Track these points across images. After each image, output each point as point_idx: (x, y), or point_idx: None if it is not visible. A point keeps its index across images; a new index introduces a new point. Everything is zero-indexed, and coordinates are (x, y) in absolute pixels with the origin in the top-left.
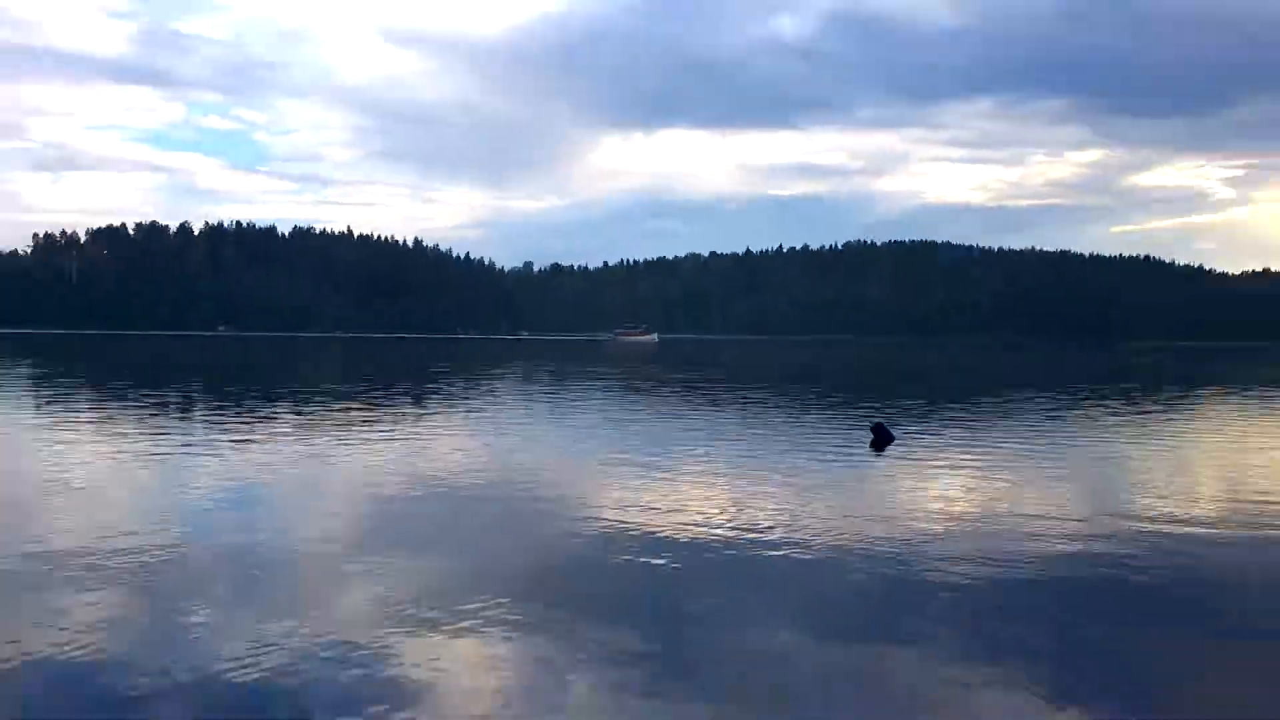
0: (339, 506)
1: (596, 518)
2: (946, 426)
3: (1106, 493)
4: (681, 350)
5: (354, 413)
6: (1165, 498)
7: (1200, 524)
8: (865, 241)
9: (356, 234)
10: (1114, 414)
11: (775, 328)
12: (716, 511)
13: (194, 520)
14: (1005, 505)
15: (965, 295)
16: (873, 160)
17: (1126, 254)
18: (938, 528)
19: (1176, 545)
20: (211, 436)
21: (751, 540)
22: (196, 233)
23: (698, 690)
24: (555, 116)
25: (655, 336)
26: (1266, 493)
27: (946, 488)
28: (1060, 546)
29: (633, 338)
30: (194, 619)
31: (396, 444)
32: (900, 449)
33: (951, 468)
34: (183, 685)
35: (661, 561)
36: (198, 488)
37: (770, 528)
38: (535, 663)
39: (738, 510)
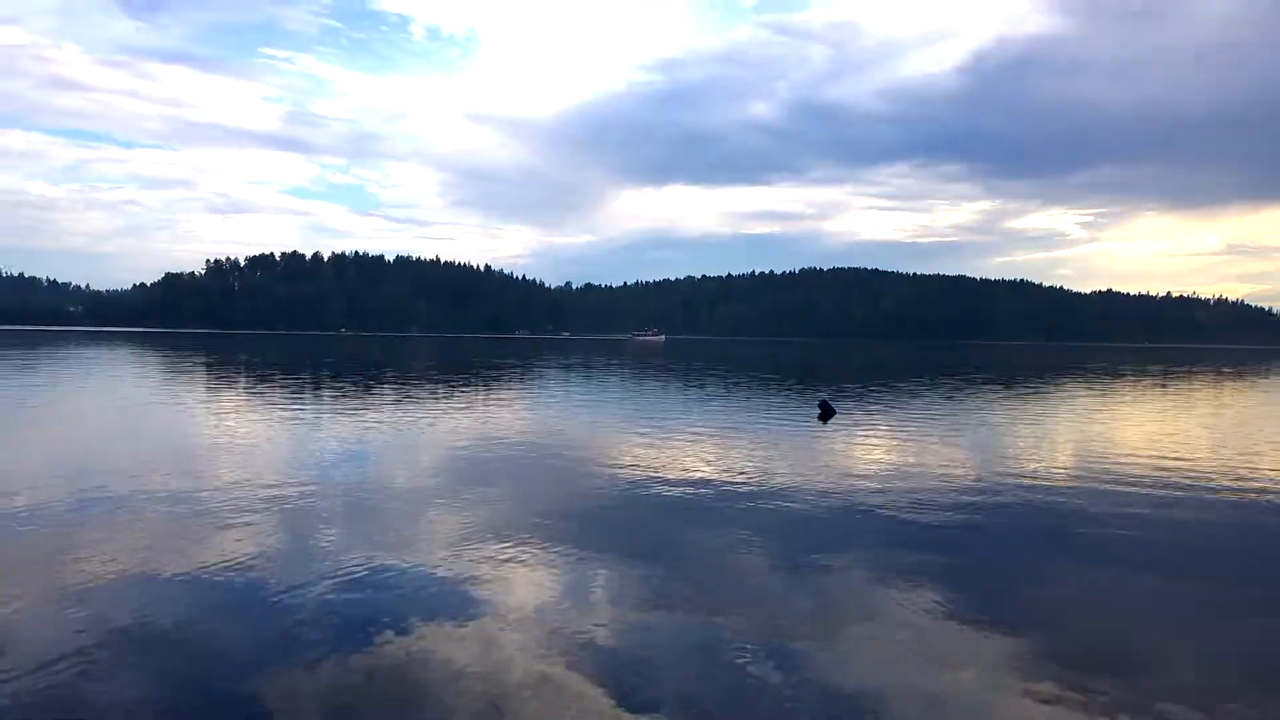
0: (427, 459)
1: (616, 467)
2: (875, 404)
3: (992, 451)
4: (682, 348)
5: (440, 391)
6: (1034, 455)
7: (1057, 473)
8: (815, 268)
9: (443, 260)
10: (996, 393)
11: (748, 331)
12: (703, 464)
13: (322, 468)
14: (917, 462)
15: (889, 308)
16: (821, 208)
17: (1007, 278)
18: (868, 478)
19: (1041, 490)
20: (335, 407)
21: (728, 484)
22: (326, 259)
23: (683, 582)
24: (588, 176)
25: (663, 337)
26: (1107, 451)
27: (875, 449)
28: (957, 492)
29: (646, 337)
30: (322, 539)
31: (470, 413)
32: (841, 420)
33: (879, 434)
34: (310, 587)
35: (663, 499)
36: (325, 444)
37: (742, 476)
38: (571, 566)
39: (719, 463)
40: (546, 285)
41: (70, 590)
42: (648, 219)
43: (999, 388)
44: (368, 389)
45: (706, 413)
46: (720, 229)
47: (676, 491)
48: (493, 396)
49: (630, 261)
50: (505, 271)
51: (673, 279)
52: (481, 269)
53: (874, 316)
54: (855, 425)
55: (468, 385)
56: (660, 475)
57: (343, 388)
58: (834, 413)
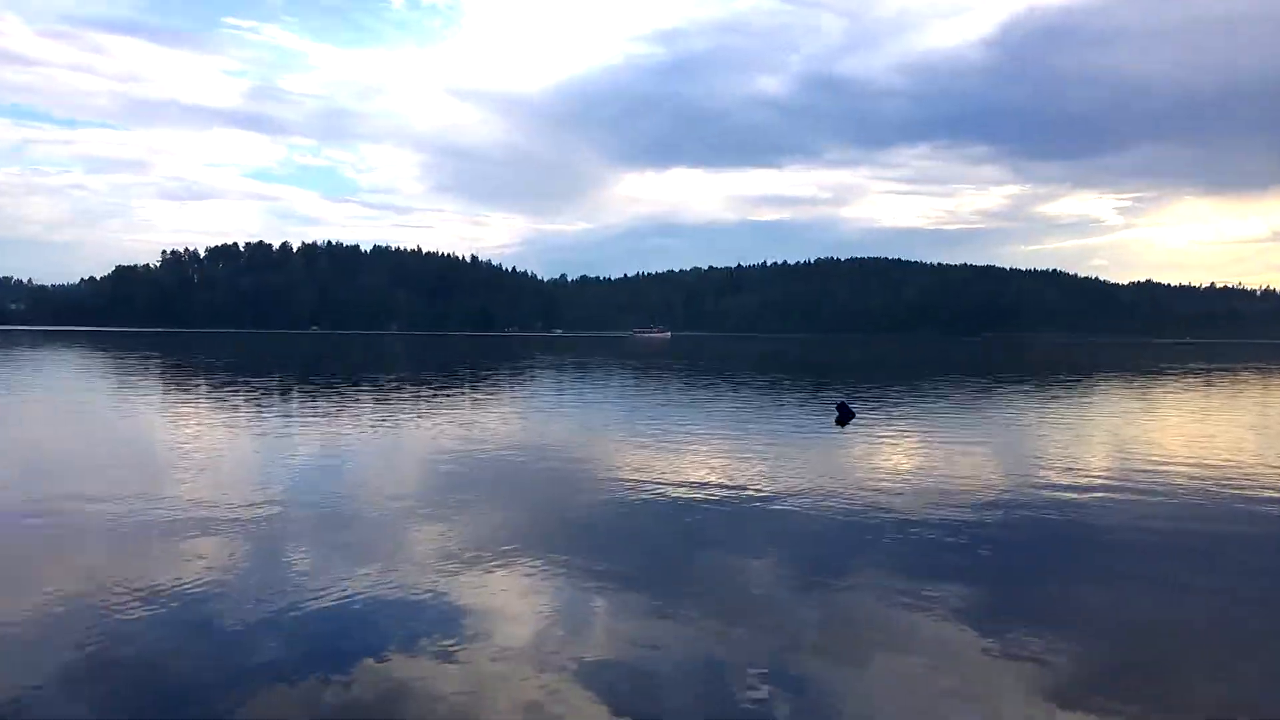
0: (407, 469)
1: (614, 478)
2: (897, 405)
3: (1018, 456)
4: (687, 345)
5: (420, 395)
6: (1068, 461)
7: (1092, 482)
8: (831, 258)
9: (424, 250)
10: (1025, 394)
11: (758, 326)
12: (710, 473)
13: (291, 479)
14: (941, 467)
15: (911, 299)
16: (837, 192)
17: (1038, 268)
18: (888, 485)
19: (1075, 500)
20: (306, 413)
21: (737, 495)
22: (295, 250)
23: (687, 602)
24: (583, 158)
25: (668, 334)
26: (1145, 457)
27: (896, 454)
28: (982, 499)
29: (649, 334)
30: (292, 559)
31: (455, 419)
32: (860, 424)
33: (901, 438)
34: (278, 612)
35: (665, 511)
36: (295, 453)
37: (752, 485)
38: (565, 589)
39: (727, 471)
40: (538, 278)
41: (13, 616)
42: (648, 204)
43: (1029, 387)
44: (342, 393)
45: (713, 416)
46: (727, 215)
47: (680, 503)
48: (479, 401)
49: (630, 251)
50: (492, 262)
51: (676, 270)
52: (466, 260)
53: (895, 309)
54: (875, 429)
55: (452, 388)
56: (663, 485)
57: (314, 392)
58: (852, 415)
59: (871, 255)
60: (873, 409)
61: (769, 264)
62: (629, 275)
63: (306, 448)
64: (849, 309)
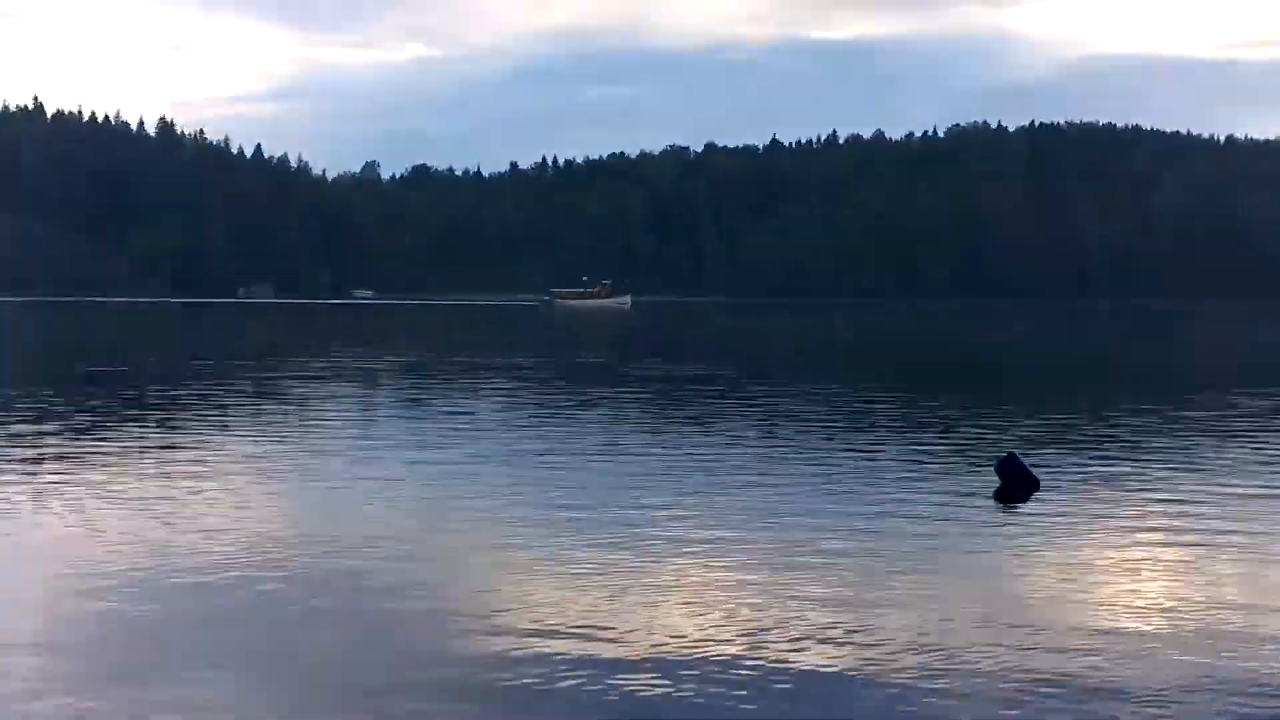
0: (26, 618)
1: (508, 635)
2: (1127, 458)
3: None
4: (667, 324)
5: (48, 442)
6: None
7: None
8: (980, 124)
9: (50, 113)
10: None
11: (819, 283)
12: (727, 617)
13: None
14: (1235, 602)
15: (1156, 220)
16: None
17: None
18: (1120, 642)
19: None
20: None
21: (785, 664)
22: None
23: None
24: None
25: (627, 300)
26: None
27: (1133, 571)
28: None
29: (590, 302)
30: None
31: (127, 500)
32: (1048, 499)
33: (1138, 535)
34: None
35: (633, 709)
36: None
37: (822, 642)
38: None
39: (768, 613)
40: (316, 171)
41: None
42: (572, 3)
43: None
44: None
45: (727, 486)
46: (750, 31)
47: (659, 693)
48: (178, 457)
49: (529, 115)
50: (212, 139)
51: (636, 155)
52: (150, 132)
53: (1120, 241)
54: (1080, 511)
55: (117, 427)
56: (619, 649)
57: None
58: (1034, 483)
59: (1081, 120)
60: (1078, 468)
61: (844, 139)
62: (526, 168)
63: None
64: (1013, 242)
